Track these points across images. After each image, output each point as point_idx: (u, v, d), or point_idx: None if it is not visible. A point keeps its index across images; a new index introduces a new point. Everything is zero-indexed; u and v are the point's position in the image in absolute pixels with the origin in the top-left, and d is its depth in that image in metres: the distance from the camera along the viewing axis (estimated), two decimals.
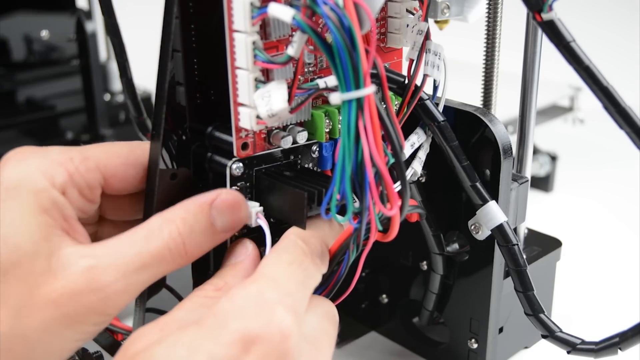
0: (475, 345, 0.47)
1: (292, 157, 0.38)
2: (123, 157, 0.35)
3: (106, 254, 0.31)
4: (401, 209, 0.32)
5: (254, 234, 0.38)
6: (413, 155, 0.42)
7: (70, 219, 0.33)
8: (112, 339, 0.46)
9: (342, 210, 0.32)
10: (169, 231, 0.33)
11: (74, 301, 0.30)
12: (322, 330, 0.33)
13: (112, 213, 0.37)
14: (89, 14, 0.72)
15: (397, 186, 0.31)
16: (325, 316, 0.33)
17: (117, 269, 0.31)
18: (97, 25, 0.73)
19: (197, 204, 0.34)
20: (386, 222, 0.33)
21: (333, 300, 0.35)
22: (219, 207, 0.34)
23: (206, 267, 0.38)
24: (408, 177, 0.42)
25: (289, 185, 0.36)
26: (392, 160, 0.31)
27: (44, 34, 0.75)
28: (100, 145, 0.35)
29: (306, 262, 0.33)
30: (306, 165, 0.39)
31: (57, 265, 0.31)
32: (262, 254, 0.36)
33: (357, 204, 0.31)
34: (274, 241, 0.35)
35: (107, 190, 0.35)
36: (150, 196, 0.36)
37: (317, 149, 0.39)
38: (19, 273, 0.30)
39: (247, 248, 0.36)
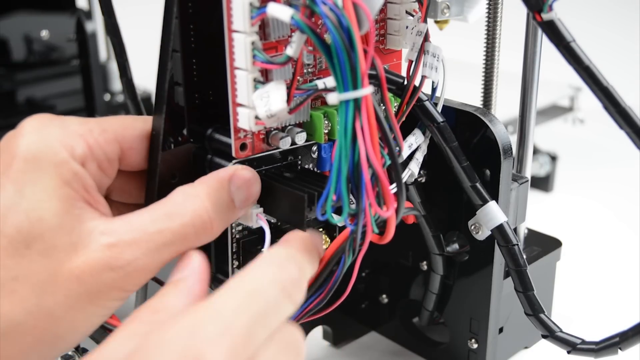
0: (475, 346, 0.47)
1: (290, 158, 0.38)
2: (139, 129, 0.35)
3: (127, 231, 0.31)
4: (397, 211, 0.32)
5: (255, 235, 0.38)
6: (411, 157, 0.42)
7: (92, 190, 0.32)
8: None
9: (337, 211, 0.31)
10: (193, 208, 0.32)
11: (95, 278, 0.30)
12: None
13: (118, 194, 0.37)
14: (89, 14, 0.73)
15: (393, 188, 0.31)
16: (282, 350, 0.28)
17: (137, 247, 0.31)
18: (97, 25, 0.73)
19: (218, 180, 0.33)
20: (382, 225, 0.33)
21: (330, 302, 0.35)
22: (237, 182, 0.33)
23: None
24: (405, 179, 0.42)
25: (288, 186, 0.36)
26: (388, 162, 0.31)
27: (44, 34, 0.75)
28: (117, 118, 0.35)
29: (271, 293, 0.28)
30: (306, 166, 0.39)
31: (79, 241, 0.31)
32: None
33: (353, 206, 0.31)
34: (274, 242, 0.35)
35: (124, 163, 0.35)
36: (153, 171, 0.36)
37: (316, 150, 0.39)
38: (41, 247, 0.30)
39: (193, 262, 0.32)
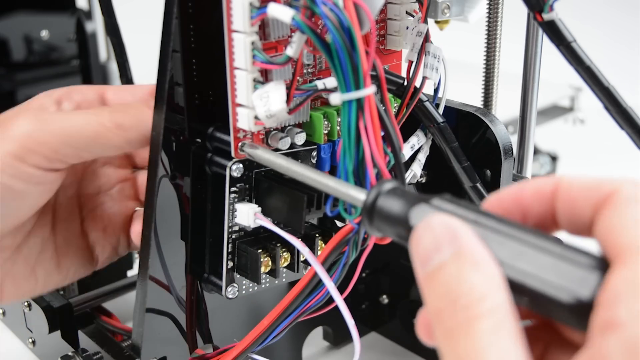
0: None
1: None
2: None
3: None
4: None
5: (251, 237, 0.38)
6: (413, 158, 0.42)
7: None
8: (112, 340, 0.46)
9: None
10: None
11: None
12: None
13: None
14: (89, 14, 0.72)
15: None
16: None
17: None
18: (97, 25, 0.73)
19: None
20: None
21: (330, 300, 0.35)
22: None
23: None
24: (407, 179, 0.42)
25: (288, 188, 0.36)
26: (392, 162, 0.31)
27: (44, 34, 0.75)
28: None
29: None
30: None
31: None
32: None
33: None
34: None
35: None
36: (153, 171, 0.36)
37: (316, 155, 0.38)
38: None
39: None
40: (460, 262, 0.23)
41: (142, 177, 0.45)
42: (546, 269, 0.22)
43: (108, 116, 0.37)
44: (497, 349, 0.22)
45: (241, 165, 0.36)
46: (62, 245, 0.43)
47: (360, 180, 0.30)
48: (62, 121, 0.37)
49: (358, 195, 0.28)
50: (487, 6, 0.46)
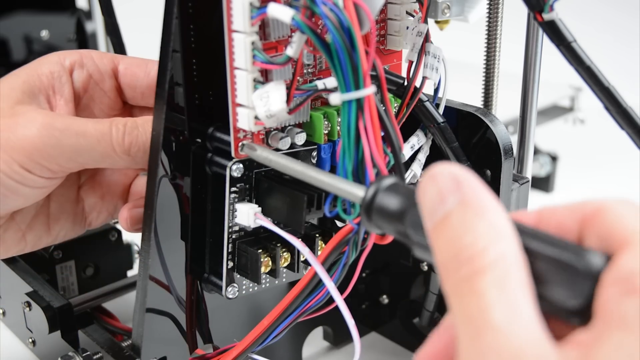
0: None
1: None
2: None
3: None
4: None
5: (251, 237, 0.38)
6: (413, 158, 0.42)
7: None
8: (112, 340, 0.46)
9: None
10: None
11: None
12: None
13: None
14: (89, 14, 0.72)
15: None
16: None
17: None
18: (97, 25, 0.73)
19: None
20: None
21: (330, 300, 0.35)
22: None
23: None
24: (407, 179, 0.42)
25: (288, 188, 0.36)
26: (392, 162, 0.31)
27: (44, 34, 0.75)
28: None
29: None
30: None
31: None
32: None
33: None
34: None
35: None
36: (153, 171, 0.37)
37: (316, 155, 0.38)
38: None
39: None
40: (465, 211, 0.22)
41: None
42: (558, 245, 0.22)
43: (119, 139, 0.39)
44: (504, 304, 0.20)
45: (241, 165, 0.36)
46: (55, 211, 0.44)
47: (359, 180, 0.30)
48: (73, 138, 0.38)
49: (357, 192, 0.28)
50: (487, 6, 0.46)
